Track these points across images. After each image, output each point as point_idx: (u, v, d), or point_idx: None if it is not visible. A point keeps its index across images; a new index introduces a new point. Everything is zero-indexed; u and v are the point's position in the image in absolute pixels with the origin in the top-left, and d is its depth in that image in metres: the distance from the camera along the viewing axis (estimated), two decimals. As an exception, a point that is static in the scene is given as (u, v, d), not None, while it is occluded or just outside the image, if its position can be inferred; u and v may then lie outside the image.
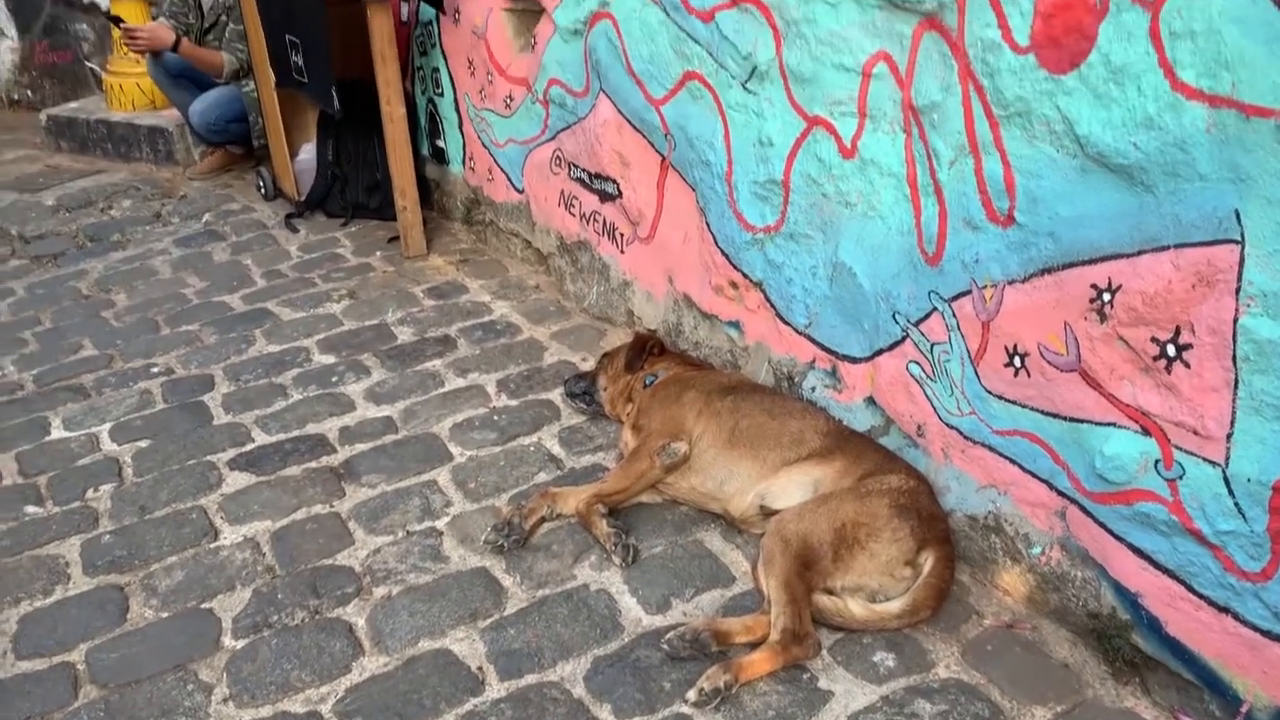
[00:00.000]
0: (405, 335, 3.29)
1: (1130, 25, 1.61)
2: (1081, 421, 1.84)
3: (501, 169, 3.82)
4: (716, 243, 2.73)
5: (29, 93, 6.16)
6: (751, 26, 2.45)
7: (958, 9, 1.90)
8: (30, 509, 2.48)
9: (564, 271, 3.53)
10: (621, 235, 3.20)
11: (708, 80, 2.65)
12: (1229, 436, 1.61)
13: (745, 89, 2.52)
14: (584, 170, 3.30)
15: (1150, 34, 1.58)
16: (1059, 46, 1.72)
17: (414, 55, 4.27)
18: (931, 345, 2.13)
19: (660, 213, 2.99)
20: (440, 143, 4.23)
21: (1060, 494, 1.93)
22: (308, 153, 4.40)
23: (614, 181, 3.14)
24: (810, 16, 2.27)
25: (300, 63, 3.83)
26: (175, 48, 4.45)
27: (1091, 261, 1.76)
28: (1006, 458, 2.02)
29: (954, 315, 2.05)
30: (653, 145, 2.94)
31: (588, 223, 3.36)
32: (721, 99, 2.61)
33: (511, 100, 3.64)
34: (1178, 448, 1.69)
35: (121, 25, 4.50)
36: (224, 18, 4.62)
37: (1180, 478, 1.69)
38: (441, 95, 4.12)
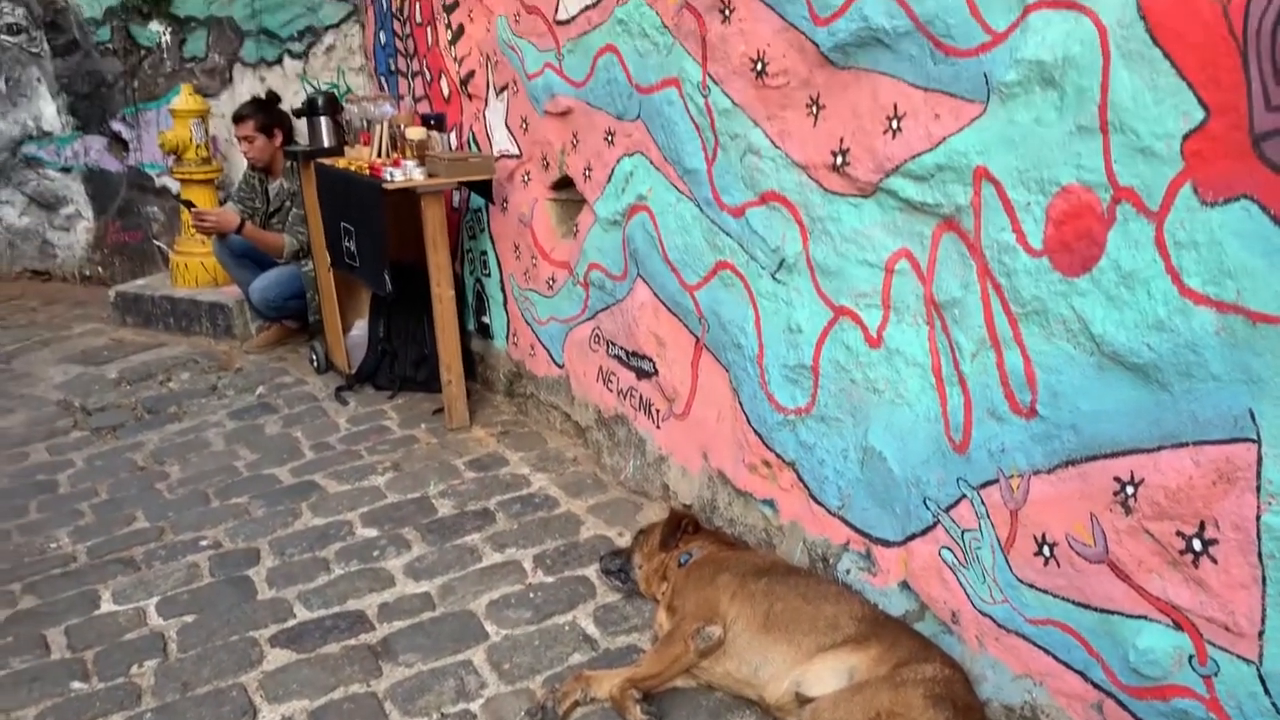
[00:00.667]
0: (446, 508, 3.35)
1: (1136, 234, 1.70)
2: (1113, 613, 1.85)
3: (543, 345, 3.96)
4: (749, 422, 2.81)
5: (100, 269, 6.51)
6: (779, 222, 2.59)
7: (974, 213, 2.01)
8: (76, 685, 2.52)
9: (601, 445, 3.61)
10: (657, 411, 3.28)
11: (739, 269, 2.78)
12: (1261, 634, 1.61)
13: (774, 279, 2.65)
14: (622, 348, 3.42)
15: (1156, 243, 1.67)
16: (1071, 251, 1.82)
17: (464, 238, 4.50)
18: (962, 532, 2.16)
19: (695, 391, 3.08)
20: (486, 319, 4.41)
21: (1096, 686, 1.91)
22: (360, 329, 4.59)
23: (650, 360, 3.25)
24: (834, 215, 2.41)
25: (353, 249, 4.05)
26: (240, 230, 4.73)
27: (1114, 455, 1.80)
28: (1041, 648, 2.02)
29: (983, 503, 2.09)
30: (687, 327, 3.07)
31: (625, 398, 3.46)
32: (752, 287, 2.74)
33: (554, 282, 3.81)
34: (1211, 643, 1.68)
35: (192, 209, 4.81)
36: (288, 203, 4.92)
37: (1215, 674, 1.68)
38: (488, 275, 4.32)
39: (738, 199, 2.73)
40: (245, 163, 5.07)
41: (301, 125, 4.67)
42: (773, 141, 2.58)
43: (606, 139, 3.34)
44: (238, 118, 4.94)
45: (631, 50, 3.10)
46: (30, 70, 6.24)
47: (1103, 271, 1.77)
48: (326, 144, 4.42)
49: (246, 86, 5.61)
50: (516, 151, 3.96)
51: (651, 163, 3.12)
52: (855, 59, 2.28)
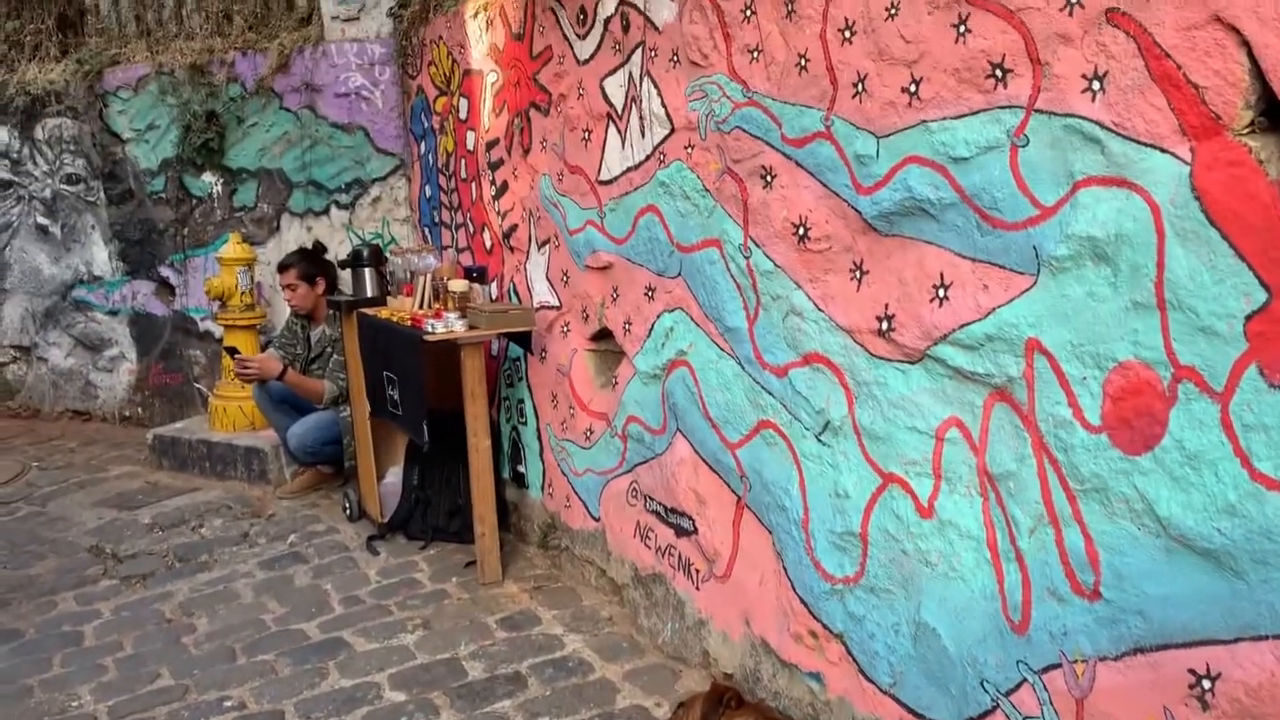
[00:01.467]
0: (477, 671, 3.25)
1: (1201, 414, 1.65)
2: (1196, 819, 1.72)
3: (579, 497, 3.90)
4: (794, 589, 2.71)
5: (140, 410, 6.58)
6: (824, 384, 2.56)
7: (1027, 385, 1.97)
8: None
9: (638, 604, 3.51)
10: (697, 571, 3.19)
11: (782, 429, 2.74)
12: None
13: (819, 441, 2.60)
14: (660, 504, 3.36)
15: (1222, 424, 1.62)
16: (1131, 429, 1.77)
17: (501, 386, 4.51)
18: (1024, 719, 2.04)
19: (736, 552, 3.00)
20: (521, 468, 4.38)
21: None
22: (394, 476, 4.57)
23: (690, 518, 3.19)
24: (881, 380, 2.38)
25: (396, 397, 4.06)
26: (282, 376, 4.77)
27: (1187, 645, 1.70)
28: None
29: (1045, 689, 1.98)
30: (728, 485, 3.01)
31: (663, 556, 3.37)
32: (796, 448, 2.69)
33: (591, 433, 3.79)
34: None
35: (236, 356, 4.87)
36: (329, 349, 4.98)
37: None
38: (525, 424, 4.31)
39: (780, 359, 2.72)
40: (288, 309, 5.15)
41: (346, 275, 4.76)
42: (815, 304, 2.57)
43: (647, 294, 3.36)
44: (282, 266, 5.05)
45: (673, 211, 3.15)
46: (85, 218, 6.46)
47: (1166, 451, 1.71)
48: (370, 294, 4.49)
49: (293, 235, 5.76)
50: (556, 303, 3.99)
51: (692, 319, 3.13)
52: (900, 227, 2.29)
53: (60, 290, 6.68)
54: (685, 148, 3.06)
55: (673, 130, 3.12)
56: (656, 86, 3.17)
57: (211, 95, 5.85)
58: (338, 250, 5.56)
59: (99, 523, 4.82)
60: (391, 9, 5.39)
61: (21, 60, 6.52)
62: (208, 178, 5.97)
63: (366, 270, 4.48)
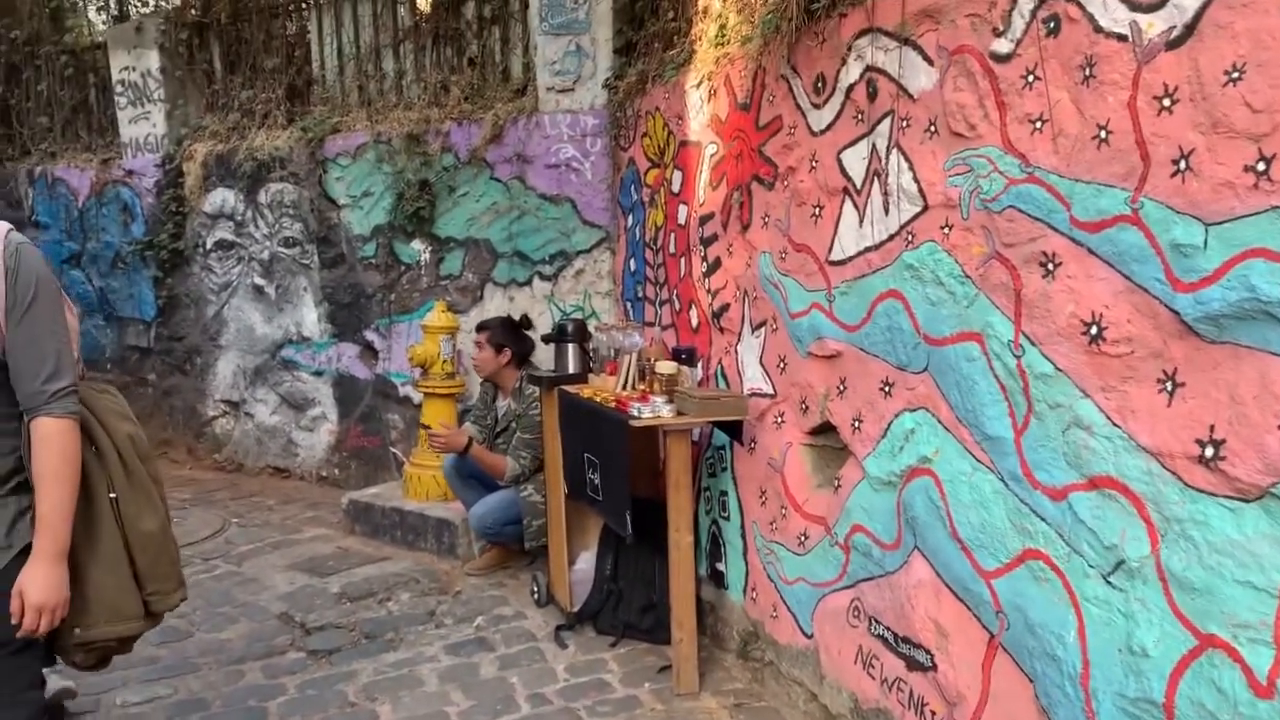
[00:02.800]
0: (674, 801, 2.90)
1: None
2: None
3: (788, 608, 3.53)
4: (1067, 757, 2.26)
5: (337, 471, 6.64)
6: (1117, 515, 2.13)
7: None
8: None
9: (856, 739, 3.09)
10: (933, 714, 2.76)
11: (1056, 563, 2.31)
12: None
13: (1108, 582, 2.16)
14: (889, 629, 2.95)
15: None
16: None
17: (702, 474, 4.21)
18: None
19: (985, 700, 2.56)
20: (721, 566, 4.04)
21: None
22: (585, 562, 4.32)
23: (927, 651, 2.77)
24: (1200, 517, 1.94)
25: (597, 482, 3.82)
26: (466, 450, 4.64)
27: None
28: None
29: None
30: (979, 620, 2.58)
31: (890, 690, 2.95)
32: (1074, 588, 2.25)
33: (806, 538, 3.43)
34: None
35: (429, 430, 4.79)
36: (514, 424, 4.82)
37: None
38: (728, 519, 3.99)
39: (1058, 479, 2.30)
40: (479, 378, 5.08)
41: (548, 350, 4.61)
42: (1109, 418, 2.16)
43: (883, 389, 3.00)
44: (481, 326, 4.98)
45: (921, 298, 2.80)
46: (299, 280, 6.64)
47: None
48: (572, 370, 4.31)
49: (495, 305, 5.70)
50: (770, 391, 3.68)
51: (940, 422, 2.74)
52: (1233, 333, 1.87)
53: (271, 349, 6.87)
54: (941, 228, 2.71)
55: (925, 208, 2.78)
56: (907, 159, 2.85)
57: (425, 164, 5.91)
58: (538, 321, 5.45)
59: (290, 588, 4.78)
60: (607, 80, 5.30)
61: (252, 127, 6.82)
62: (417, 245, 6.01)
63: (570, 346, 4.31)
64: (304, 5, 6.89)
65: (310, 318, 6.65)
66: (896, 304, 2.91)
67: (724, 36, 4.14)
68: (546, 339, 4.52)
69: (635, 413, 3.55)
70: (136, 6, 7.73)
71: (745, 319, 3.86)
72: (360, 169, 6.21)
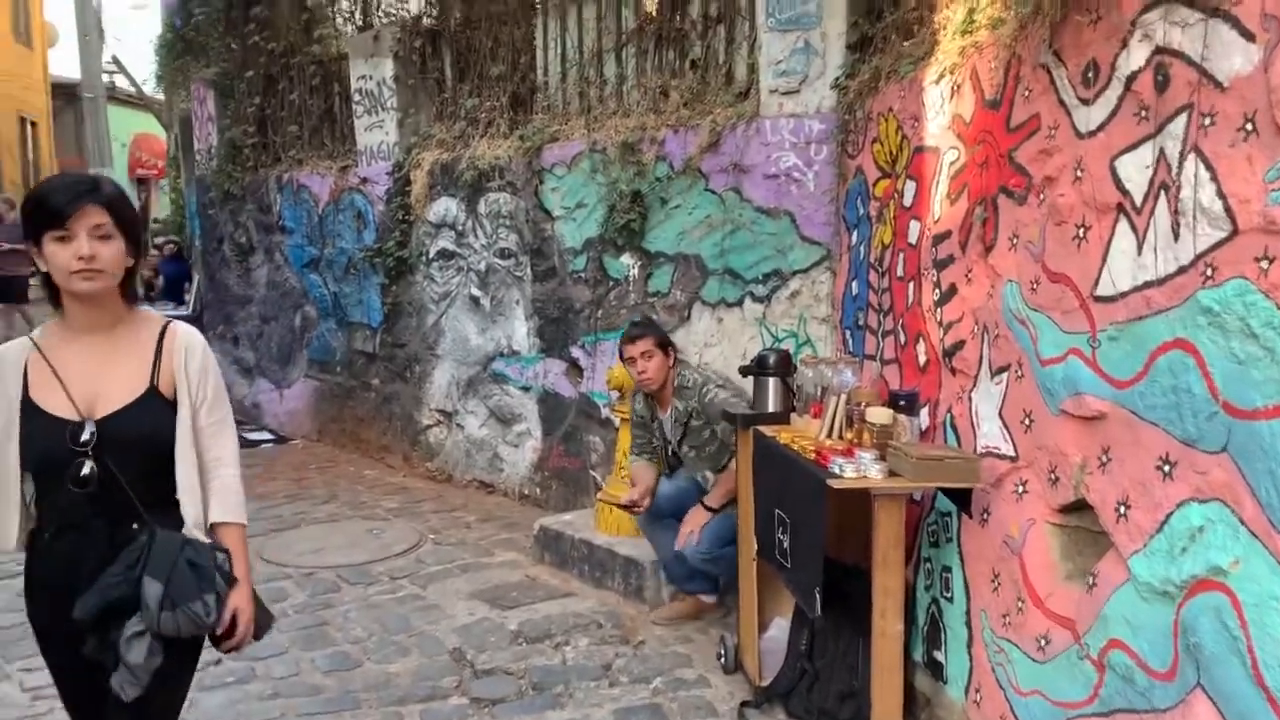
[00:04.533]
0: None
1: None
2: None
3: (1020, 724, 2.84)
4: None
5: (538, 490, 6.40)
6: None
7: None
8: None
9: None
10: None
11: None
12: None
13: None
14: (1154, 785, 2.23)
15: None
16: None
17: (922, 541, 3.56)
18: None
19: None
20: (939, 654, 3.38)
21: None
22: (779, 629, 3.78)
23: (1209, 829, 2.04)
24: None
25: (786, 545, 3.27)
26: (718, 510, 4.17)
27: None
28: None
29: None
30: (1293, 806, 1.85)
31: None
32: None
33: (1047, 642, 2.73)
34: None
35: (619, 504, 4.45)
36: (693, 420, 4.37)
37: None
38: (950, 600, 3.32)
39: None
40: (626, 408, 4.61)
41: (747, 384, 4.09)
42: None
43: (1161, 468, 2.29)
44: (631, 337, 4.43)
45: (1222, 353, 2.08)
46: (512, 292, 6.45)
47: None
48: (772, 408, 3.77)
49: (703, 326, 5.25)
50: (1011, 452, 3.00)
51: (1243, 523, 2.02)
52: None
53: (483, 361, 6.73)
54: (1256, 260, 1.99)
55: (1234, 233, 2.06)
56: (1210, 168, 2.13)
57: (639, 174, 5.54)
58: (748, 346, 4.95)
59: (469, 619, 4.51)
60: (836, 79, 4.72)
61: (476, 136, 6.71)
62: (626, 260, 5.65)
63: (771, 380, 3.78)
64: (533, 9, 6.71)
65: (520, 331, 6.44)
66: (1185, 358, 2.20)
67: (972, 22, 3.48)
68: (745, 371, 4.00)
69: (837, 469, 2.97)
70: (379, 17, 7.84)
71: (984, 360, 3.20)
72: (575, 179, 5.93)
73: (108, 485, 2.11)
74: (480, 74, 6.89)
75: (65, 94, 19.99)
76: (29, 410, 2.13)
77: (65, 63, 23.01)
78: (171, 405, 2.19)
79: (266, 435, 8.77)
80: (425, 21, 7.34)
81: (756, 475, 3.61)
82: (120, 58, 20.35)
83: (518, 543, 5.60)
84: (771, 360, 3.84)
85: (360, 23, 7.96)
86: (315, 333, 8.37)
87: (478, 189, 6.57)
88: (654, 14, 5.99)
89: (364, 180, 7.56)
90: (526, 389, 6.44)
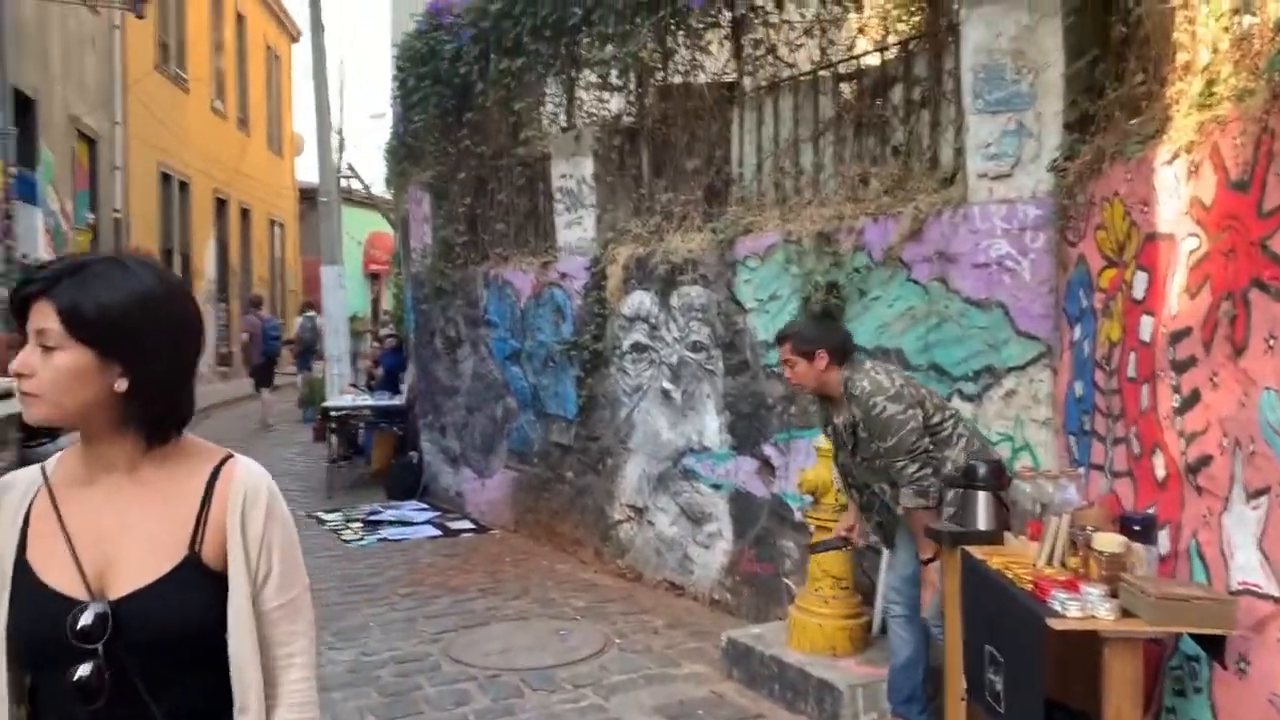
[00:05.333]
0: None
1: None
2: None
3: None
4: None
5: (729, 595, 6.12)
6: None
7: None
8: None
9: None
10: None
11: None
12: None
13: None
14: None
15: None
16: None
17: (1164, 690, 3.05)
18: None
19: None
20: (1189, 829, 2.85)
21: None
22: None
23: None
24: None
25: (999, 688, 2.86)
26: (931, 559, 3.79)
27: None
28: None
29: None
30: None
31: None
32: None
33: (1334, 837, 2.21)
34: None
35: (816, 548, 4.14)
36: (859, 434, 3.99)
37: None
38: (1201, 764, 2.80)
39: None
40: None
41: (954, 497, 3.70)
42: None
43: None
44: (780, 337, 4.23)
45: None
46: (703, 386, 6.29)
47: None
48: (982, 526, 3.37)
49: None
50: (1274, 592, 2.52)
51: None
52: None
53: (674, 456, 6.57)
54: None
55: None
56: None
57: (835, 265, 5.30)
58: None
59: (646, 738, 4.26)
60: (1053, 162, 4.34)
61: (670, 230, 6.66)
62: (823, 353, 5.38)
63: (982, 494, 3.39)
64: (729, 102, 6.67)
65: (711, 426, 6.25)
66: None
67: (1211, 95, 3.08)
68: (952, 483, 3.62)
69: (1058, 605, 2.58)
70: (582, 117, 8.02)
71: (1236, 480, 2.73)
72: (769, 271, 5.75)
73: (122, 695, 1.49)
74: (676, 168, 6.88)
75: (309, 197, 21.79)
76: (21, 577, 1.54)
77: (310, 169, 25.13)
78: (221, 580, 1.56)
79: (468, 524, 8.89)
80: (625, 120, 7.43)
81: (965, 603, 3.22)
82: (355, 164, 21.99)
83: (706, 653, 5.31)
84: (982, 471, 3.45)
85: (564, 124, 8.17)
86: (515, 424, 8.48)
87: (671, 282, 6.50)
88: (853, 101, 5.80)
89: (563, 275, 7.66)
90: (717, 487, 6.21)
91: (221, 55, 22.36)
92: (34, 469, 1.63)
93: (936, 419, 3.93)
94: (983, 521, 3.39)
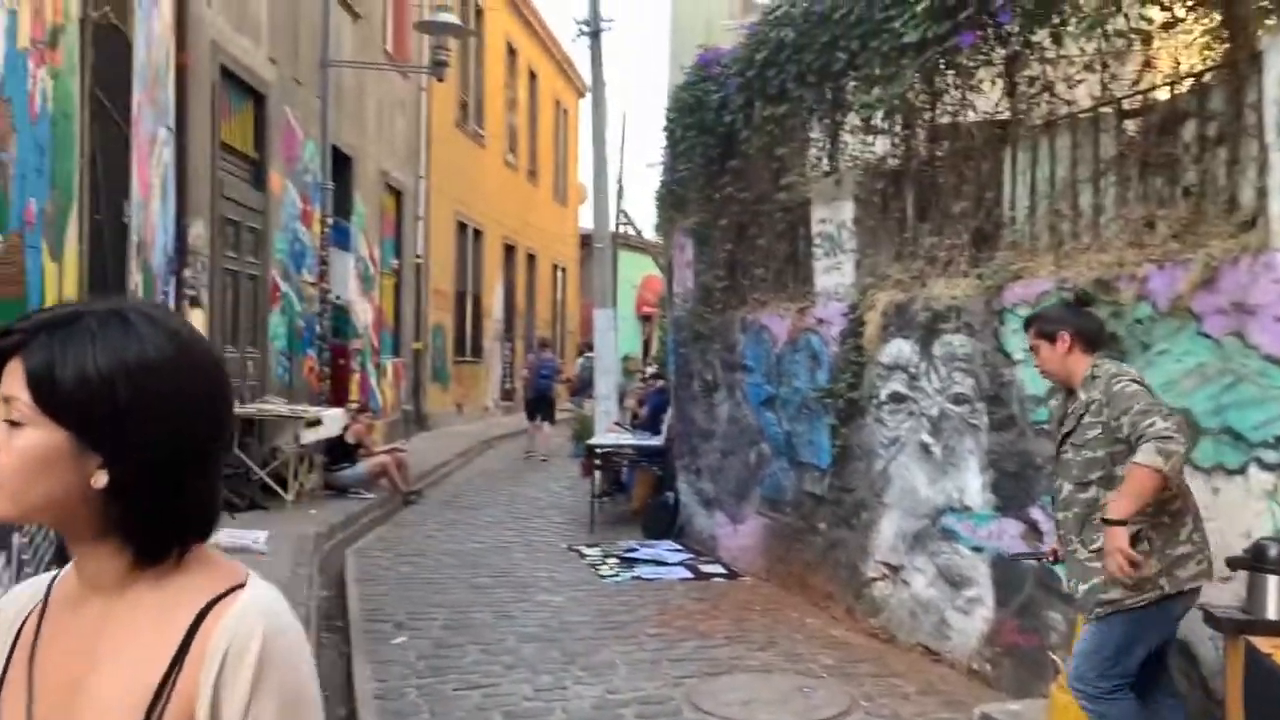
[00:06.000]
0: None
1: None
2: None
3: None
4: None
5: (988, 666, 5.71)
6: None
7: None
8: None
9: None
10: None
11: None
12: None
13: None
14: None
15: None
16: None
17: None
18: None
19: None
20: None
21: None
22: None
23: None
24: None
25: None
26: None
27: None
28: None
29: None
30: None
31: None
32: None
33: None
34: None
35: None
36: (1084, 418, 3.81)
37: None
38: None
39: None
40: None
41: (1240, 580, 3.27)
42: None
43: None
44: (1026, 323, 4.29)
45: None
46: (965, 441, 5.95)
47: None
48: (1272, 615, 2.95)
49: (1199, 498, 4.37)
50: None
51: None
52: None
53: (931, 514, 6.25)
54: None
55: None
56: None
57: (1115, 315, 4.86)
58: (1252, 525, 4.01)
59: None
60: (1377, 201, 3.79)
61: (933, 275, 6.40)
62: (1097, 411, 4.95)
63: (1271, 579, 2.96)
64: (1001, 141, 6.34)
65: (974, 485, 5.89)
66: None
67: None
68: (1234, 564, 3.20)
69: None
70: (846, 161, 7.91)
71: None
72: (1039, 320, 5.37)
73: None
74: (942, 211, 6.61)
75: (588, 244, 22.91)
76: None
77: (591, 217, 26.38)
78: None
79: (719, 568, 8.88)
80: (889, 162, 7.25)
81: (1250, 705, 2.82)
82: (633, 210, 22.86)
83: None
84: (1274, 552, 3.02)
85: (827, 168, 8.08)
86: (768, 470, 8.41)
87: (933, 330, 6.23)
88: (1139, 139, 5.35)
89: (820, 321, 7.54)
90: (978, 550, 5.84)
91: (514, 112, 24.01)
92: (42, 579, 1.28)
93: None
94: (1273, 609, 2.96)
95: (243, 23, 10.90)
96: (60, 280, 5.33)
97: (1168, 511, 3.58)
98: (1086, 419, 3.79)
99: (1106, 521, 3.50)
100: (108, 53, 6.56)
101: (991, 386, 5.75)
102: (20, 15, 4.57)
